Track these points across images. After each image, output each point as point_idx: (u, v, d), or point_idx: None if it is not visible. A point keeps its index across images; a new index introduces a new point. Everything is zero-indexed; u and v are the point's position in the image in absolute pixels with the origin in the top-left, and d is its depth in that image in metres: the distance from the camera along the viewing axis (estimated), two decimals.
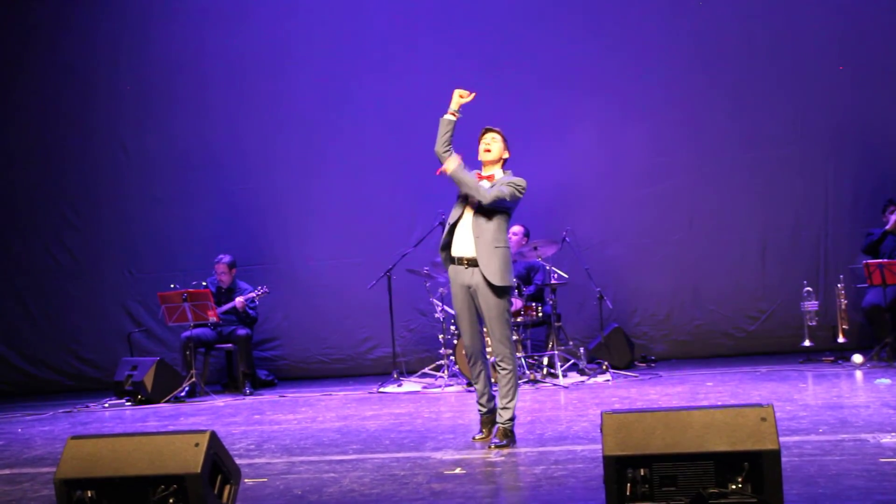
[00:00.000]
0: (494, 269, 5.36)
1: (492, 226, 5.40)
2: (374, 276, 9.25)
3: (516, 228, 8.88)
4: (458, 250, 5.47)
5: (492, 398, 5.59)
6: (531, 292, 8.76)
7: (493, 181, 5.48)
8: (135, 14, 10.55)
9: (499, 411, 5.48)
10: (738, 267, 9.61)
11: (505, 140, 5.58)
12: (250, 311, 9.29)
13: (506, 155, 5.57)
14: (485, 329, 5.56)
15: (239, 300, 9.11)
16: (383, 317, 9.33)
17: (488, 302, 5.39)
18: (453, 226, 5.49)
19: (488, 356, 5.69)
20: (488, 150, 5.51)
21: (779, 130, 9.56)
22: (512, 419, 5.46)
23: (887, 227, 8.52)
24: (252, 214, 10.30)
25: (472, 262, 5.42)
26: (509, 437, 5.43)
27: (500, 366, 5.45)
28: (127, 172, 10.54)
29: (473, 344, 5.54)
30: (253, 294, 9.21)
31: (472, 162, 5.61)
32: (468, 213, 5.45)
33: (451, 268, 5.51)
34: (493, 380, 5.68)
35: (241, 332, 9.17)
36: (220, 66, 10.37)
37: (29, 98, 10.71)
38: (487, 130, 5.61)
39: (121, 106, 10.55)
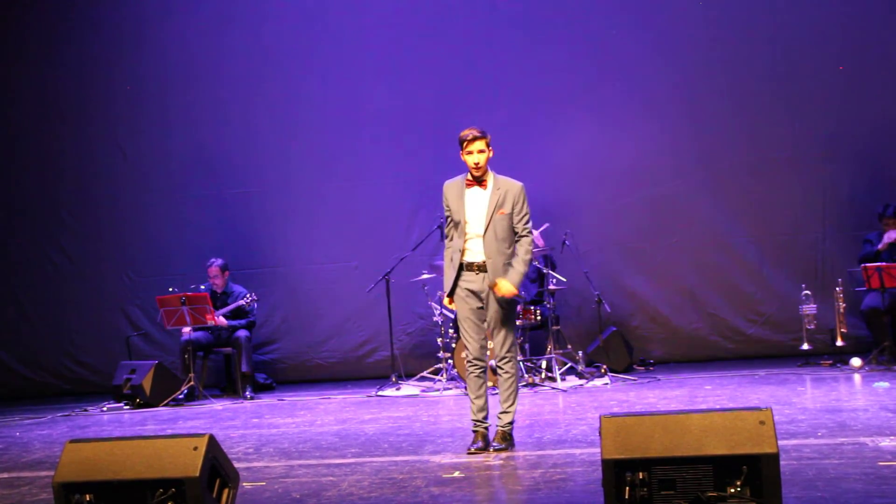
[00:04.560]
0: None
1: (503, 246, 5.39)
2: (372, 279, 9.25)
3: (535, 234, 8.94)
4: (468, 256, 5.44)
5: (487, 413, 5.51)
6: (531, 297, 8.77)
7: (486, 187, 5.44)
8: (132, 17, 10.54)
9: (498, 415, 5.46)
10: (736, 270, 9.60)
11: (488, 139, 5.39)
12: (250, 316, 9.31)
13: (491, 154, 5.45)
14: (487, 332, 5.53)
15: (221, 320, 9.10)
16: (382, 320, 9.32)
17: (499, 308, 5.39)
18: (462, 231, 5.45)
19: (489, 358, 5.66)
20: (478, 165, 5.37)
21: (776, 134, 9.55)
22: (511, 423, 5.45)
23: (879, 246, 8.46)
24: (251, 218, 10.29)
25: (481, 268, 5.40)
26: (508, 440, 5.43)
27: (501, 369, 5.43)
28: (125, 176, 10.53)
29: (480, 354, 5.45)
30: (242, 302, 9.20)
31: (458, 165, 5.55)
32: (475, 224, 5.42)
33: (463, 274, 5.45)
34: (490, 383, 5.66)
35: (241, 333, 9.17)
36: (218, 69, 10.36)
37: (26, 101, 10.70)
38: (471, 140, 5.34)
39: (118, 109, 10.54)
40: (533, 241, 5.50)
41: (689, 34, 9.69)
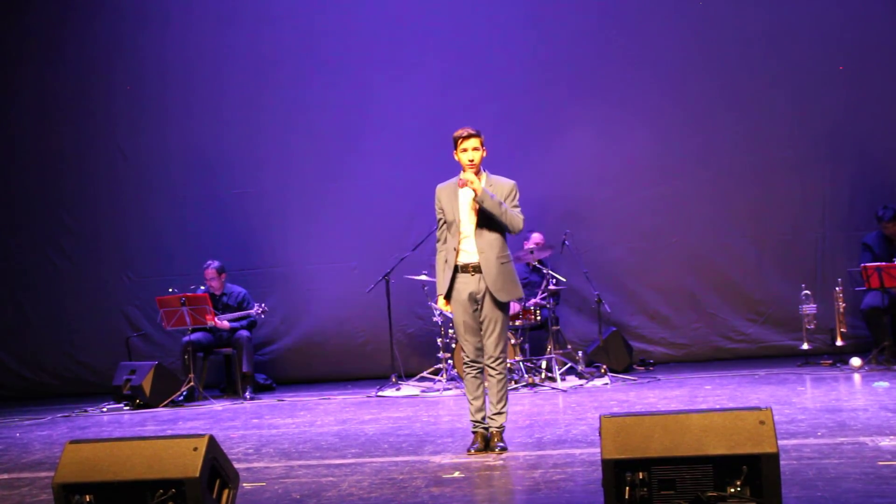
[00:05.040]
0: (500, 286, 5.36)
1: (495, 240, 5.38)
2: (371, 279, 9.25)
3: (536, 236, 8.95)
4: (463, 258, 5.42)
5: (486, 413, 5.52)
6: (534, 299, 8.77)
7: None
8: (132, 17, 10.54)
9: (492, 416, 5.45)
10: (735, 270, 9.61)
11: (481, 138, 5.42)
12: (250, 311, 9.32)
13: (484, 154, 5.45)
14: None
15: (224, 324, 9.10)
16: (381, 320, 9.32)
17: (493, 308, 5.38)
18: (455, 230, 5.45)
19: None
20: (472, 161, 5.36)
21: (776, 133, 9.56)
22: (504, 424, 5.46)
23: None
24: (250, 218, 10.29)
25: (476, 269, 5.39)
26: (503, 440, 5.44)
27: (493, 370, 5.40)
28: (124, 176, 10.53)
29: (476, 356, 5.44)
30: (252, 312, 9.18)
31: (452, 164, 5.56)
32: (469, 223, 5.41)
33: (458, 276, 5.43)
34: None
35: (242, 333, 9.17)
36: (217, 69, 10.36)
37: (25, 102, 10.70)
38: (465, 137, 5.37)
39: (118, 109, 10.54)
40: (522, 220, 5.42)
41: (689, 34, 9.69)
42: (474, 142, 5.37)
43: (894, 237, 8.54)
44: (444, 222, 5.50)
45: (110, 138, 10.56)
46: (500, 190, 5.41)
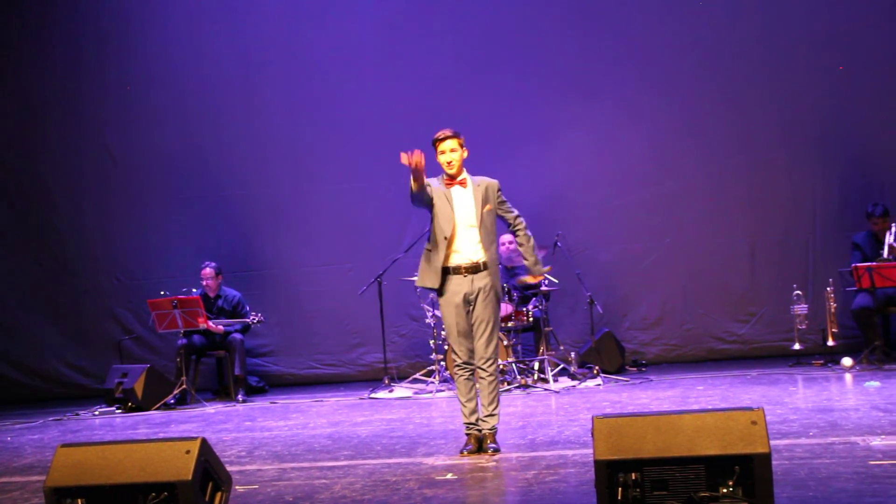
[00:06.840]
0: (495, 283, 5.44)
1: (490, 239, 5.43)
2: (364, 281, 9.25)
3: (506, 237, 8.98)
4: (455, 260, 5.44)
5: (478, 415, 5.53)
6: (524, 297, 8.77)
7: (466, 185, 5.46)
8: (122, 18, 10.52)
9: (484, 418, 5.45)
10: (727, 271, 9.63)
11: (461, 139, 5.46)
12: (246, 320, 9.29)
13: (465, 155, 5.49)
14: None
15: (219, 328, 9.08)
16: (374, 322, 9.32)
17: (484, 310, 5.38)
18: (447, 239, 5.44)
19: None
20: (450, 163, 5.41)
21: (768, 135, 9.58)
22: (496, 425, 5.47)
23: (885, 254, 8.41)
24: (242, 220, 10.28)
25: (470, 270, 5.40)
26: (496, 442, 5.44)
27: (484, 371, 5.40)
28: (113, 178, 10.49)
29: (469, 358, 5.44)
30: (248, 321, 9.16)
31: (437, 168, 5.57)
32: (461, 226, 5.42)
33: (450, 278, 5.44)
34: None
35: (235, 336, 9.15)
36: (209, 71, 10.35)
37: (12, 103, 10.65)
38: (442, 139, 5.42)
39: (106, 110, 10.49)
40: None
41: (682, 36, 9.70)
42: (452, 143, 5.42)
43: (882, 234, 8.55)
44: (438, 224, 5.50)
45: (98, 140, 10.51)
46: (490, 191, 5.44)
